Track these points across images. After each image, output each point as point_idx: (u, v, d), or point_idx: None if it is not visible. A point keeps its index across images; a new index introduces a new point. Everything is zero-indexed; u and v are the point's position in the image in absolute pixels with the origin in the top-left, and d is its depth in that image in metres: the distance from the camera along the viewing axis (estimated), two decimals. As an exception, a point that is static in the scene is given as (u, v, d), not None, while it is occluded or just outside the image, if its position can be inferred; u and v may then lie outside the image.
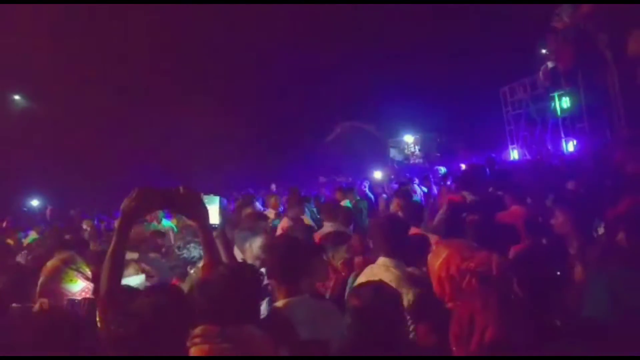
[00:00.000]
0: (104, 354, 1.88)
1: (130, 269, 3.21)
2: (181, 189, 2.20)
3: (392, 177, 12.42)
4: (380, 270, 2.91)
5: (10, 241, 7.97)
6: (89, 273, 2.76)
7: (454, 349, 1.59)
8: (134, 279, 3.01)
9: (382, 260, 2.99)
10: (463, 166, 10.88)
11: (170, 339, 1.69)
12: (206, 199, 2.42)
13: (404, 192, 6.43)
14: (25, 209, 19.62)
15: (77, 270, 2.69)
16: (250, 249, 3.75)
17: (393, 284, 2.53)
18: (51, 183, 18.41)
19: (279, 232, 5.09)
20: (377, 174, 11.86)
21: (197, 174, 15.88)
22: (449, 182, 8.39)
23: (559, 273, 2.34)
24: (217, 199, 2.49)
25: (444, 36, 17.79)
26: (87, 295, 2.66)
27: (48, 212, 15.74)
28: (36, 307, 2.64)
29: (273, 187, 14.71)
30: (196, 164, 17.85)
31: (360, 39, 19.87)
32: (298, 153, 20.22)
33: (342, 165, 18.74)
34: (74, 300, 2.52)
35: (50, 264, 2.70)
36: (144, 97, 19.47)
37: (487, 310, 1.54)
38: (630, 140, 9.75)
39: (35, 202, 20.14)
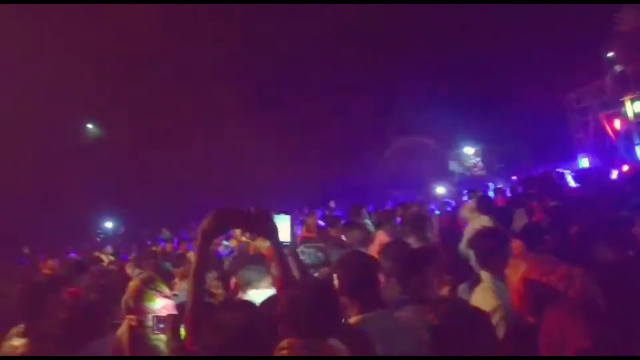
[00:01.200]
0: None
1: (265, 282, 3.40)
2: (253, 208, 2.31)
3: (453, 190, 12.18)
4: None
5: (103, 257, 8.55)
6: (167, 291, 2.93)
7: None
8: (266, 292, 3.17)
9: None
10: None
11: (258, 351, 1.80)
12: (276, 218, 2.53)
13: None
14: (100, 231, 20.87)
15: (156, 289, 2.86)
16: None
17: None
18: (126, 207, 19.42)
19: (376, 246, 5.01)
20: (440, 189, 11.68)
21: (262, 193, 16.26)
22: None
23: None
24: (287, 217, 2.59)
25: (503, 41, 17.30)
26: (169, 311, 2.82)
27: (122, 232, 16.60)
28: (124, 323, 2.83)
29: (332, 204, 14.80)
30: (260, 184, 18.28)
31: (418, 49, 19.72)
32: (357, 170, 20.23)
33: (401, 181, 18.56)
34: (159, 317, 2.66)
35: (132, 284, 2.89)
36: (213, 118, 20.20)
37: (576, 322, 1.51)
38: None
39: (109, 225, 21.38)
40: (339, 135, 20.73)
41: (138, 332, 2.80)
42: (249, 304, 2.09)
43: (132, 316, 2.80)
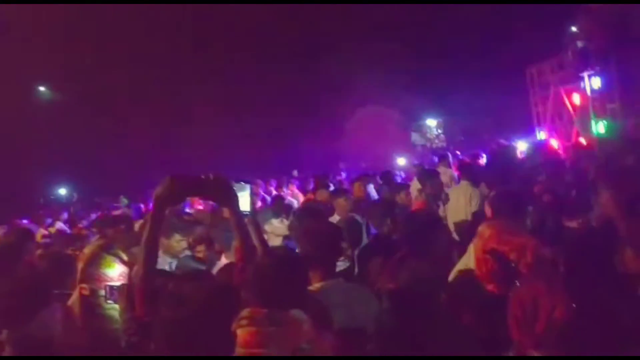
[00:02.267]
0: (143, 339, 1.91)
1: None
2: (211, 176, 2.21)
3: (416, 162, 12.28)
4: None
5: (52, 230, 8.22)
6: (125, 258, 2.81)
7: (514, 333, 1.55)
8: None
9: None
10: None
11: (219, 322, 1.74)
12: (236, 186, 2.44)
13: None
14: (52, 197, 20.15)
15: (115, 255, 2.74)
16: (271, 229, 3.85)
17: None
18: (77, 171, 18.79)
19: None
20: (401, 161, 11.75)
21: (222, 162, 16.02)
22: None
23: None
24: (247, 186, 2.51)
25: (467, 15, 17.37)
26: (124, 280, 2.71)
27: (75, 199, 16.06)
28: (76, 292, 2.70)
29: (295, 173, 14.76)
30: (221, 152, 18.00)
31: (381, 22, 19.59)
32: (319, 139, 20.17)
33: (364, 151, 18.64)
34: (112, 286, 2.56)
35: (88, 250, 2.76)
36: (168, 82, 19.60)
37: (552, 292, 1.50)
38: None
39: (62, 191, 20.64)
40: (299, 106, 20.58)
41: (91, 302, 2.69)
42: (208, 274, 2.01)
43: (84, 285, 2.68)
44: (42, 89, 21.39)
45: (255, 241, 2.57)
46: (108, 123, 19.57)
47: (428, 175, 6.02)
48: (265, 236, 3.81)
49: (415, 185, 6.39)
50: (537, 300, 1.52)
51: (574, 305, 1.47)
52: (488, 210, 3.43)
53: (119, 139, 19.71)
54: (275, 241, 4.36)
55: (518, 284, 1.71)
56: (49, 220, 11.26)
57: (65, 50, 18.15)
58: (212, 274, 2.10)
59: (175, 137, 19.80)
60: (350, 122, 21.68)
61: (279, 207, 5.51)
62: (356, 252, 3.77)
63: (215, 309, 1.73)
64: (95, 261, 2.68)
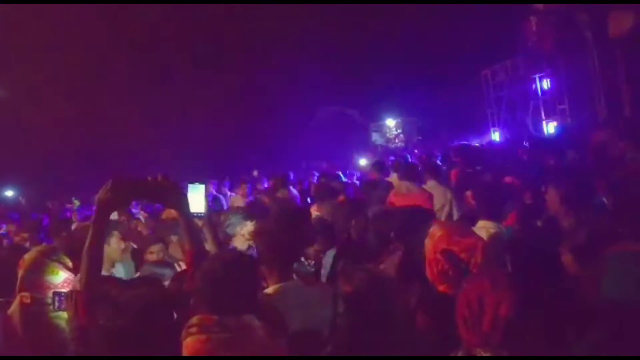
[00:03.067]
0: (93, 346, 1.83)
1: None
2: (159, 177, 2.13)
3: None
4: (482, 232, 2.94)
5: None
6: (70, 264, 2.68)
7: (462, 332, 1.56)
8: None
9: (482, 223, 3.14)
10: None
11: (161, 330, 1.66)
12: (191, 187, 2.37)
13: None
14: (4, 200, 19.15)
15: (58, 261, 2.61)
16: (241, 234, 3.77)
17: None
18: (25, 173, 17.96)
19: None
20: (362, 161, 11.82)
21: (177, 162, 15.66)
22: None
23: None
24: (202, 187, 2.43)
25: (425, 19, 17.68)
26: (69, 287, 2.59)
27: (23, 202, 15.35)
28: (16, 301, 2.55)
29: (255, 173, 14.60)
30: (175, 152, 17.61)
31: (342, 23, 19.67)
32: (280, 138, 20.08)
33: (325, 151, 18.68)
34: (60, 293, 2.43)
35: (28, 256, 2.61)
36: (119, 79, 19.02)
37: (497, 289, 1.52)
38: (609, 122, 9.89)
39: (9, 193, 19.65)
40: (261, 105, 20.42)
41: (33, 310, 2.55)
42: (153, 281, 1.93)
43: (25, 293, 2.54)
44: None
45: (210, 244, 2.51)
46: (60, 122, 18.81)
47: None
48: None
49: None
50: (482, 298, 1.54)
51: (517, 303, 1.49)
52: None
53: (72, 138, 18.98)
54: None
55: (464, 282, 1.73)
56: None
57: (13, 47, 17.33)
58: (159, 282, 2.01)
59: (133, 137, 19.23)
60: (311, 122, 21.71)
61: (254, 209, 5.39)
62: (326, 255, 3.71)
63: (153, 318, 1.65)
64: (37, 268, 2.54)
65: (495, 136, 15.03)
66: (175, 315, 1.91)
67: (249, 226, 3.65)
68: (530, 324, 1.47)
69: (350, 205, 4.27)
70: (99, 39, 18.43)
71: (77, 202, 13.43)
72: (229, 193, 10.07)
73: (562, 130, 11.62)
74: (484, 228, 3.08)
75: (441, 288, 2.30)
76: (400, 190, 5.18)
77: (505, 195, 3.38)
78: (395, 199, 4.84)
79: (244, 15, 18.87)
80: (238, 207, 5.14)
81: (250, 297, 1.96)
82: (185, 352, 1.70)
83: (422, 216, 3.09)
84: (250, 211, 4.13)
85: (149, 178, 2.09)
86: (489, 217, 3.15)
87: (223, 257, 2.06)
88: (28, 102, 18.68)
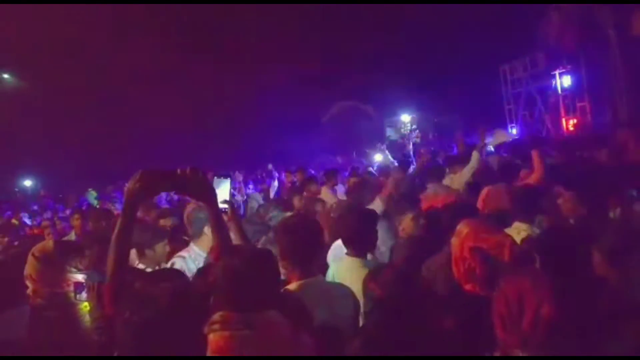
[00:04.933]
0: (118, 339, 1.82)
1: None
2: (188, 169, 2.11)
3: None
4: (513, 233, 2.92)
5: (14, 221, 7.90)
6: (79, 265, 2.68)
7: (499, 332, 1.52)
8: None
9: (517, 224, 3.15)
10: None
11: (187, 325, 1.64)
12: (217, 181, 2.34)
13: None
14: (17, 189, 19.42)
15: (71, 259, 2.62)
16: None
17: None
18: (45, 164, 18.19)
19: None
20: (378, 157, 11.72)
21: (201, 155, 15.76)
22: None
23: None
24: (227, 180, 2.40)
25: (443, 12, 17.48)
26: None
27: (42, 194, 15.52)
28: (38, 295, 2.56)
29: (270, 167, 14.60)
30: (200, 146, 17.71)
31: (357, 17, 19.55)
32: (295, 134, 20.06)
33: (339, 146, 18.61)
34: (81, 283, 2.44)
35: (43, 249, 2.60)
36: (143, 75, 19.11)
37: (538, 289, 1.47)
38: (632, 121, 9.71)
39: (28, 183, 19.94)
40: (277, 100, 20.40)
41: (55, 301, 2.56)
42: (178, 274, 1.90)
43: (44, 289, 2.54)
44: (5, 76, 20.60)
45: (235, 238, 2.49)
46: (78, 113, 19.01)
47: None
48: None
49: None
50: (522, 297, 1.50)
51: (560, 303, 1.45)
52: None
53: (90, 131, 19.17)
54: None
55: (502, 281, 1.68)
56: (8, 213, 10.85)
57: (28, 38, 17.53)
58: (183, 275, 1.98)
59: (152, 128, 19.36)
60: (325, 118, 21.66)
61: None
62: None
63: (178, 312, 1.62)
64: (52, 261, 2.54)
65: (513, 133, 14.84)
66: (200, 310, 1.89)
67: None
68: (569, 325, 1.43)
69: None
70: (115, 30, 18.56)
71: (93, 193, 13.54)
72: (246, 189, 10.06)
73: (582, 129, 11.45)
74: (516, 229, 3.05)
75: (467, 287, 2.26)
76: (428, 193, 5.11)
77: (539, 197, 3.35)
78: (426, 203, 4.73)
79: (259, 10, 18.85)
80: (279, 200, 5.16)
81: (272, 293, 1.92)
82: (208, 349, 1.68)
83: (469, 210, 3.15)
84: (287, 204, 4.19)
85: (178, 170, 2.07)
86: (523, 219, 3.14)
87: (242, 252, 2.02)
88: (47, 94, 18.90)
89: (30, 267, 2.53)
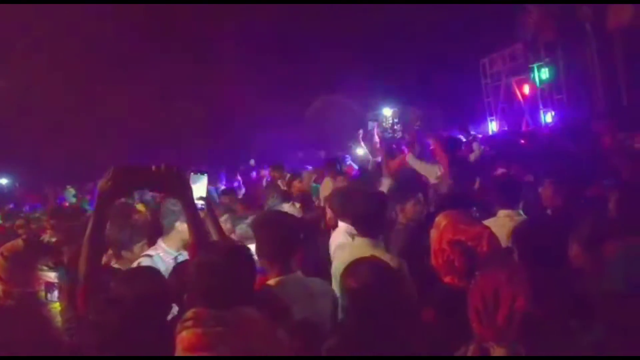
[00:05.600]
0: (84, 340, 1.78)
1: None
2: (162, 166, 2.06)
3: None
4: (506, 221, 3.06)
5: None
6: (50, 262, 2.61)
7: (475, 326, 1.51)
8: None
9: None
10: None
11: (153, 324, 1.61)
12: (193, 177, 2.31)
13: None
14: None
15: (42, 256, 2.55)
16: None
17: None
18: (20, 159, 17.80)
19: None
20: (360, 151, 11.71)
21: (176, 150, 15.57)
22: None
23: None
24: (204, 177, 2.37)
25: (422, 6, 17.52)
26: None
27: (18, 192, 15.20)
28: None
29: (252, 162, 14.55)
30: (173, 140, 17.51)
31: (338, 10, 19.49)
32: (276, 127, 19.95)
33: (322, 140, 18.58)
34: (52, 283, 2.37)
35: (12, 247, 2.53)
36: (121, 73, 18.80)
37: (513, 283, 1.46)
38: (607, 113, 9.88)
39: (3, 181, 19.49)
40: (257, 94, 20.26)
41: (25, 302, 2.49)
42: (151, 273, 1.87)
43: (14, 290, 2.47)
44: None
45: (212, 234, 2.46)
46: (55, 107, 18.62)
47: None
48: None
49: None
50: (497, 290, 1.49)
51: (535, 296, 1.44)
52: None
53: (64, 125, 18.80)
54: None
55: (477, 275, 1.67)
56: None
57: (10, 33, 17.10)
58: (157, 274, 1.94)
59: (129, 124, 19.06)
60: (307, 112, 21.59)
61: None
62: None
63: (145, 312, 1.60)
64: (22, 260, 2.47)
65: (492, 126, 14.98)
66: (174, 309, 1.86)
67: (286, 207, 3.73)
68: (544, 319, 1.43)
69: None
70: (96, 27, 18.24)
71: (71, 190, 13.31)
72: (222, 187, 9.93)
73: (559, 121, 11.59)
74: (507, 217, 3.09)
75: (447, 279, 2.26)
76: None
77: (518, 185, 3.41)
78: None
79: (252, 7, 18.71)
80: (275, 189, 5.06)
81: (247, 289, 1.90)
82: (179, 346, 1.64)
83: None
84: (286, 194, 4.15)
85: (153, 167, 2.02)
86: (505, 207, 3.18)
87: (217, 247, 2.00)
88: (24, 91, 18.48)
89: None
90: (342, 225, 3.53)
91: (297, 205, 4.58)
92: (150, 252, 3.24)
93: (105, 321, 1.57)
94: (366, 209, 2.99)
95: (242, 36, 19.75)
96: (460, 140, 7.85)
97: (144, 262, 3.24)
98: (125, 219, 3.88)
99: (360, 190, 3.69)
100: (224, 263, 1.84)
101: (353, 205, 3.13)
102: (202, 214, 2.38)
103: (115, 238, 3.19)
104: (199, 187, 2.31)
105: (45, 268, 2.47)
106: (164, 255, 3.11)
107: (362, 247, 2.85)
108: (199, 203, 2.29)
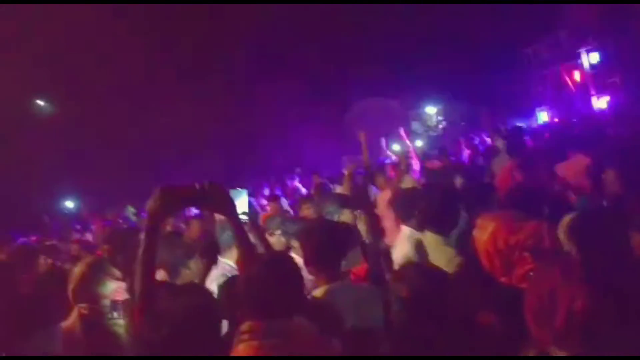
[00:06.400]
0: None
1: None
2: (206, 184, 2.11)
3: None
4: None
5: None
6: (117, 273, 2.72)
7: (533, 329, 1.44)
8: None
9: None
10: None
11: (204, 339, 1.64)
12: (233, 192, 2.35)
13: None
14: (66, 211, 19.99)
15: (105, 272, 2.65)
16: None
17: None
18: (84, 183, 18.74)
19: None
20: (396, 147, 11.50)
21: (225, 165, 15.94)
22: None
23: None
24: (244, 192, 2.41)
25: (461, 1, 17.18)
26: (122, 295, 2.63)
27: (85, 214, 15.86)
28: (74, 313, 2.61)
29: (298, 170, 14.63)
30: (220, 158, 17.93)
31: (378, 10, 19.41)
32: (319, 133, 20.04)
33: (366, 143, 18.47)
34: (115, 300, 2.47)
35: (77, 270, 2.65)
36: (174, 85, 19.51)
37: (570, 282, 1.39)
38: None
39: (69, 204, 20.55)
40: (299, 100, 20.43)
41: (92, 320, 2.61)
42: (199, 288, 1.91)
43: (83, 304, 2.60)
44: (40, 102, 21.31)
45: (258, 247, 2.49)
46: (112, 131, 19.53)
47: None
48: None
49: None
50: (554, 291, 1.42)
51: (594, 295, 1.36)
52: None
53: (122, 146, 19.68)
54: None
55: (533, 274, 1.60)
56: (57, 235, 11.14)
57: (64, 62, 18.11)
58: (205, 289, 1.98)
59: (184, 143, 19.72)
60: (351, 115, 21.57)
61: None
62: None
63: (194, 328, 1.63)
64: (86, 281, 2.59)
65: (543, 116, 14.44)
66: (224, 323, 1.89)
67: (346, 214, 3.70)
68: (608, 319, 1.34)
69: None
70: (157, 48, 19.05)
71: (131, 209, 13.81)
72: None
73: (614, 107, 11.04)
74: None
75: (504, 280, 2.17)
76: None
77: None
78: None
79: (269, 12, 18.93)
80: (335, 195, 4.99)
81: (296, 298, 1.91)
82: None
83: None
84: (345, 199, 4.09)
85: (197, 185, 2.08)
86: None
87: (264, 260, 2.02)
88: (81, 116, 19.50)
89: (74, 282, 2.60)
90: (405, 230, 3.49)
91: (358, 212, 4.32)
92: (218, 271, 3.34)
93: (158, 338, 1.62)
94: (438, 205, 2.98)
95: (277, 43, 19.99)
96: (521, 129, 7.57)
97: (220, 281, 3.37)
98: (176, 237, 4.01)
99: (432, 186, 3.66)
100: (269, 274, 1.86)
101: (426, 201, 3.09)
102: (246, 228, 2.42)
103: (169, 258, 3.31)
104: (240, 203, 2.35)
105: (107, 277, 2.58)
106: (231, 270, 3.22)
107: (431, 243, 2.88)
108: (242, 217, 2.33)
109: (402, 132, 9.12)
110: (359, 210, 4.11)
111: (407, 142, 8.68)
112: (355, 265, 3.20)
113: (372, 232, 4.10)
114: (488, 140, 9.95)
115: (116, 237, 5.04)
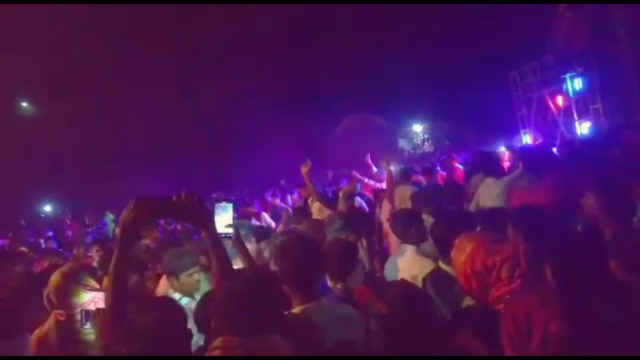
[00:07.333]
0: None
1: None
2: (183, 195, 2.08)
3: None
4: None
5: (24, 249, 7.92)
6: (94, 284, 2.68)
7: (508, 351, 1.44)
8: None
9: None
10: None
11: (174, 354, 1.62)
12: (218, 206, 2.30)
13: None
14: (42, 215, 19.69)
15: (80, 283, 2.62)
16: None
17: None
18: (62, 187, 18.47)
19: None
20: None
21: (216, 177, 15.87)
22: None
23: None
24: (230, 206, 2.35)
25: (449, 21, 17.48)
26: (98, 304, 2.58)
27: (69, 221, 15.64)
28: (51, 318, 2.57)
29: (282, 182, 14.62)
30: (213, 168, 17.87)
31: (366, 26, 19.64)
32: (305, 148, 20.06)
33: (352, 159, 18.54)
34: (88, 311, 2.43)
35: (53, 279, 2.62)
36: (153, 92, 19.42)
37: (545, 306, 1.39)
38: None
39: (47, 208, 20.23)
40: (285, 115, 20.49)
41: (67, 327, 2.56)
42: (172, 303, 1.88)
43: (59, 311, 2.56)
44: (24, 104, 21.05)
45: (244, 264, 2.45)
46: (94, 135, 19.34)
47: None
48: None
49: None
50: (530, 314, 1.42)
51: (569, 319, 1.36)
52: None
53: (107, 151, 19.52)
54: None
55: (510, 299, 1.60)
56: (32, 240, 10.97)
57: (48, 64, 17.97)
58: (177, 305, 1.95)
59: (167, 149, 19.60)
60: (337, 130, 21.66)
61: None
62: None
63: (164, 343, 1.61)
64: (60, 291, 2.55)
65: (527, 138, 14.65)
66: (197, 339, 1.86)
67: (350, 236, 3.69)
68: (581, 342, 1.34)
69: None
70: (142, 51, 18.99)
71: (110, 216, 13.63)
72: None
73: (596, 131, 11.23)
74: None
75: (481, 302, 2.16)
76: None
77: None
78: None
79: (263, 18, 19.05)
80: (337, 215, 4.80)
81: (274, 316, 1.88)
82: None
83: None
84: (348, 220, 3.97)
85: (174, 196, 2.05)
86: None
87: (245, 275, 1.99)
88: (64, 118, 19.29)
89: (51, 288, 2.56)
90: (409, 249, 3.51)
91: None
92: None
93: (127, 353, 1.59)
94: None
95: (266, 56, 20.07)
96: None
97: None
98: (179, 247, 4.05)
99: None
100: (250, 291, 1.83)
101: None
102: (230, 243, 2.38)
103: (174, 265, 3.35)
104: (226, 216, 2.30)
105: (81, 287, 2.54)
106: None
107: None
108: (228, 231, 2.29)
109: (368, 158, 9.24)
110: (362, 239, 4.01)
111: (374, 167, 8.87)
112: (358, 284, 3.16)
113: (370, 259, 4.07)
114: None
115: (108, 244, 5.01)
